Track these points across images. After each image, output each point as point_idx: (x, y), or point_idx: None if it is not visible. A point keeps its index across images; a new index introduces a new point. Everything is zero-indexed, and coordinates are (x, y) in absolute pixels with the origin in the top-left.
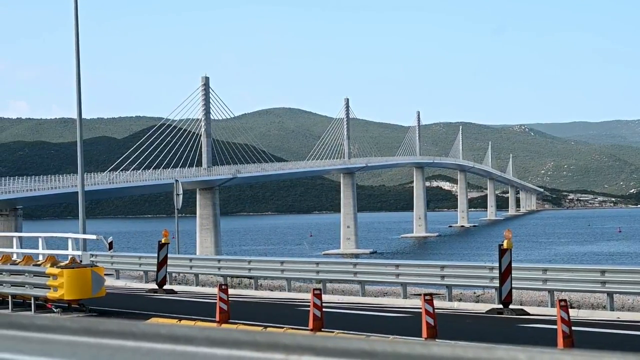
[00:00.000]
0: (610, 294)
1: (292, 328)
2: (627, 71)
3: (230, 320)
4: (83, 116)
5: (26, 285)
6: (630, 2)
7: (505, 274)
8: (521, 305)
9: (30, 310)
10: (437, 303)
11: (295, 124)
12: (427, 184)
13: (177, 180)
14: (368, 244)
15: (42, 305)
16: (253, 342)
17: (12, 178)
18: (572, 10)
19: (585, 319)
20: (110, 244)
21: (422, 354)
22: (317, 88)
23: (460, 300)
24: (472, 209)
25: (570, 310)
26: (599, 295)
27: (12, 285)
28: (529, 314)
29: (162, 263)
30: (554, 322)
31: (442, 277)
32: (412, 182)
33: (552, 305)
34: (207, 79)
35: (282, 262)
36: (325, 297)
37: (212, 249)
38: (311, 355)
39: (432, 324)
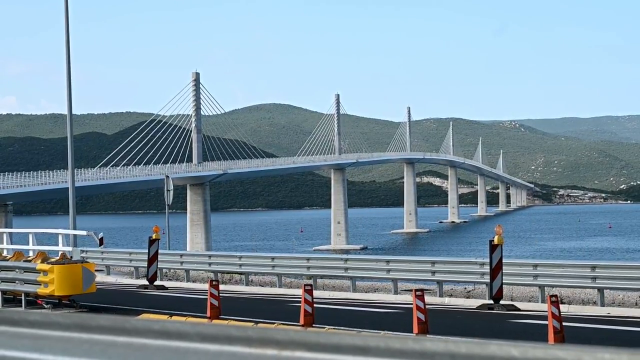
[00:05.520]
0: (600, 290)
1: (283, 324)
2: (617, 67)
3: (221, 316)
4: (73, 112)
5: (17, 282)
6: None
7: (495, 270)
8: (512, 300)
9: (21, 306)
10: (427, 299)
11: (285, 120)
12: (418, 179)
13: (167, 176)
14: (359, 240)
15: (33, 301)
16: (245, 338)
17: (2, 174)
18: (563, 6)
19: (575, 315)
20: (101, 240)
21: (415, 350)
22: (308, 84)
23: (451, 295)
24: (463, 205)
25: (561, 306)
26: (590, 290)
27: (2, 282)
28: (519, 310)
29: (152, 259)
30: (544, 318)
31: (433, 272)
32: (403, 177)
33: (543, 301)
34: (197, 75)
35: (273, 258)
36: (316, 293)
37: (202, 245)
38: (304, 350)
39: (423, 319)
